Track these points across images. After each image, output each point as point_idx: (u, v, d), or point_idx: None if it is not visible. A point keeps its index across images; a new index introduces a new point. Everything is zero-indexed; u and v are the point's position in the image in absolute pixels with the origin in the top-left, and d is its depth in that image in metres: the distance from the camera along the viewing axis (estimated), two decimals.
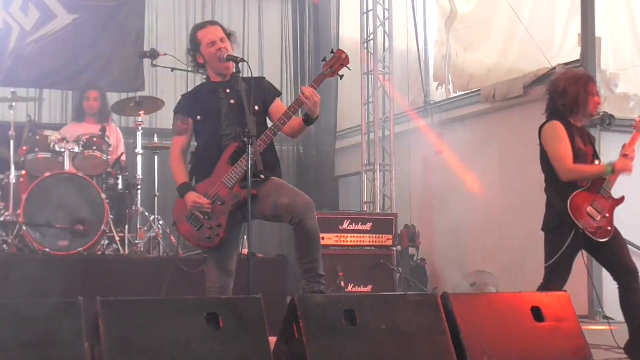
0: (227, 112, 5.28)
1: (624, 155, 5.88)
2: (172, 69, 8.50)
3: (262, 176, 5.12)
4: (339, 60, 5.19)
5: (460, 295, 4.67)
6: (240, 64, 5.21)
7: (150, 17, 12.18)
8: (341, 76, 5.23)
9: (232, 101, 5.27)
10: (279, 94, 5.46)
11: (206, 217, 5.20)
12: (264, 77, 5.55)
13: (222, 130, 5.27)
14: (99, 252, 7.89)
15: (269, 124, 5.36)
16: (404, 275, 9.04)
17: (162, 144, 8.73)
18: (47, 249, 7.55)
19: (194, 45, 5.39)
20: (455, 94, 13.14)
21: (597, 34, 10.52)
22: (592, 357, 4.64)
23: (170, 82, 10.83)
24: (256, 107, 5.24)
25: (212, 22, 5.51)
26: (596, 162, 5.93)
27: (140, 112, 8.52)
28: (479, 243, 12.19)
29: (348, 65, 5.21)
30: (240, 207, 5.18)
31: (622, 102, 10.11)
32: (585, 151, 5.91)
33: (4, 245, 7.75)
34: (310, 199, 5.19)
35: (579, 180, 5.79)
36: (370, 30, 12.72)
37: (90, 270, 7.45)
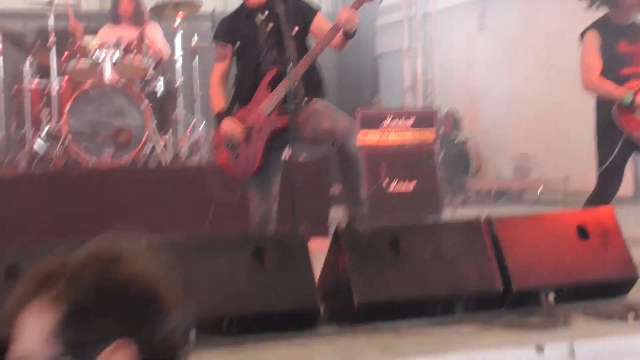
0: (266, 37, 5.21)
1: None
2: None
3: (304, 99, 5.04)
4: None
5: (504, 220, 4.66)
6: None
7: None
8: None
9: (270, 24, 5.19)
10: (318, 10, 5.34)
11: (243, 144, 5.17)
12: None
13: (262, 55, 5.22)
14: (142, 163, 7.87)
15: (313, 42, 5.29)
16: (446, 172, 9.03)
17: (202, 45, 8.62)
18: (94, 158, 7.58)
19: None
20: None
21: None
22: (638, 275, 4.63)
23: None
24: (296, 28, 5.15)
25: None
26: None
27: (179, 14, 8.41)
28: (524, 124, 12.10)
29: None
30: (280, 133, 5.14)
31: None
32: (632, 52, 5.78)
33: (52, 156, 7.78)
34: (351, 121, 5.15)
35: (598, 95, 5.73)
36: None
37: (134, 184, 7.51)
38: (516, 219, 4.77)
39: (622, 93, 5.67)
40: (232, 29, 5.35)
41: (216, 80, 5.38)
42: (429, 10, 12.46)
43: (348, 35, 5.06)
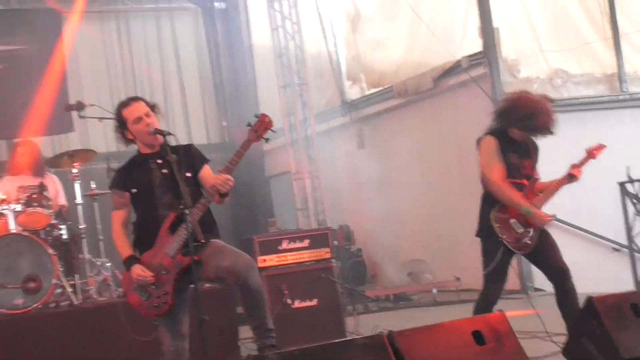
0: (160, 182, 5.23)
1: (569, 175, 5.93)
2: (100, 119, 8.38)
3: (202, 241, 5.07)
4: (263, 124, 5.15)
5: (405, 332, 4.68)
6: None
7: (72, 63, 11.95)
8: (267, 140, 5.20)
9: (164, 171, 5.22)
10: (207, 160, 5.41)
11: (153, 286, 5.16)
12: (192, 144, 5.48)
13: (158, 199, 5.22)
14: (53, 305, 7.75)
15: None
16: (344, 284, 9.07)
17: (100, 190, 8.61)
18: (3, 310, 7.42)
19: (121, 123, 5.32)
20: (369, 92, 13.21)
21: (495, 25, 10.65)
22: None
23: (100, 131, 10.64)
24: (187, 175, 5.20)
25: (136, 99, 5.42)
26: (535, 174, 5.99)
27: (75, 164, 8.37)
28: (410, 232, 12.32)
29: (272, 129, 5.19)
30: (185, 273, 5.13)
31: (527, 86, 10.24)
32: (519, 165, 5.94)
33: None
34: (250, 258, 5.20)
35: (498, 198, 5.85)
36: (282, 44, 12.67)
37: (47, 326, 7.37)
38: (415, 330, 4.79)
39: (523, 203, 5.79)
40: (128, 177, 5.35)
41: (117, 227, 5.34)
42: (310, 134, 12.69)
43: (222, 196, 5.15)
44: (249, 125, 5.19)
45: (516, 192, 5.83)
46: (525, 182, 5.93)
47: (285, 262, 8.21)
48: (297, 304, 8.09)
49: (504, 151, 5.86)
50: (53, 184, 8.66)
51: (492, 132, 5.97)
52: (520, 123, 5.85)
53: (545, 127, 5.86)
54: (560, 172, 6.00)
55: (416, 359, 4.51)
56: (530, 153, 6.03)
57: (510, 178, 5.87)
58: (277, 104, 12.89)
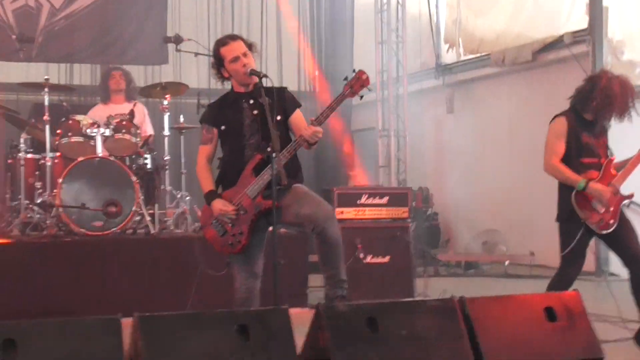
0: (250, 122, 5.25)
1: (623, 169, 5.81)
2: (196, 54, 8.42)
3: (285, 185, 5.07)
4: (360, 81, 5.13)
5: (476, 299, 4.64)
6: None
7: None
8: (361, 96, 5.18)
9: (255, 112, 5.24)
10: (299, 105, 5.41)
11: (230, 224, 5.19)
12: (285, 88, 5.47)
13: (246, 139, 5.24)
14: (131, 231, 7.90)
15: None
16: (418, 246, 9.06)
17: (188, 124, 8.68)
18: (83, 230, 7.57)
19: (218, 61, 5.32)
20: (465, 57, 13.03)
21: (604, 3, 10.37)
22: (602, 355, 4.64)
23: (193, 66, 10.70)
24: (278, 118, 5.20)
25: (234, 37, 5.42)
26: (609, 154, 5.88)
27: (167, 96, 8.44)
28: (489, 202, 12.19)
29: (368, 87, 5.16)
30: (263, 215, 5.17)
31: (629, 69, 9.96)
32: (593, 144, 5.85)
33: (44, 225, 7.76)
34: (331, 208, 5.19)
35: (556, 179, 5.80)
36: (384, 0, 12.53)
37: (123, 250, 7.54)
38: (487, 299, 4.75)
39: (577, 179, 5.72)
40: (218, 113, 5.37)
41: (202, 162, 5.37)
42: (401, 93, 12.57)
43: (311, 145, 5.16)
44: (345, 79, 5.17)
45: (569, 171, 5.75)
46: (601, 161, 5.83)
47: (362, 217, 8.22)
48: (369, 259, 8.11)
49: (576, 131, 5.78)
50: (141, 112, 8.78)
51: (565, 112, 5.90)
52: (593, 108, 5.75)
53: (618, 114, 5.76)
54: None
55: (485, 328, 4.48)
56: (604, 132, 5.95)
57: (585, 158, 5.79)
58: (371, 60, 12.77)
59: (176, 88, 8.82)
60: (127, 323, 4.12)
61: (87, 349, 3.99)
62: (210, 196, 5.27)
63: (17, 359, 3.80)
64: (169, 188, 8.41)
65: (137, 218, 7.93)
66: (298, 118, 5.32)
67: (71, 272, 7.24)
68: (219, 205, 5.19)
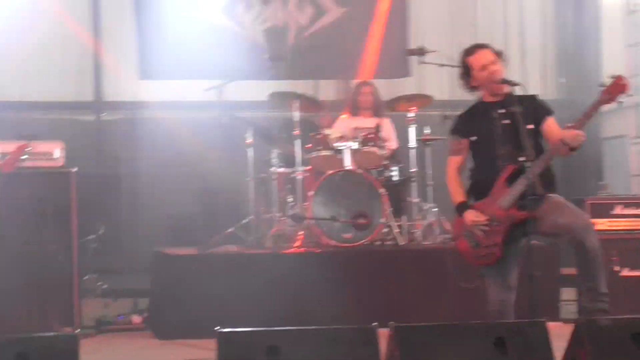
0: (501, 132, 5.20)
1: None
2: (441, 65, 8.43)
3: (540, 195, 4.98)
4: (618, 86, 4.97)
5: None
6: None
7: (413, 8, 12.07)
8: (621, 102, 5.02)
9: (506, 121, 5.18)
10: (551, 112, 5.31)
11: (483, 235, 5.15)
12: (536, 95, 5.40)
13: (497, 150, 5.20)
14: (379, 243, 8.01)
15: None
16: None
17: (433, 136, 8.70)
18: (334, 241, 7.77)
19: (466, 70, 5.33)
20: None
21: None
22: None
23: (435, 78, 10.67)
24: (530, 126, 5.12)
25: (482, 46, 5.41)
26: None
27: (412, 108, 8.51)
28: None
29: (627, 92, 4.99)
30: (517, 226, 5.09)
31: None
32: None
33: (295, 237, 8.01)
34: (589, 218, 5.04)
35: None
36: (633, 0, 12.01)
37: (373, 261, 7.68)
38: None
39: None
40: (468, 123, 5.38)
41: (452, 173, 5.39)
42: None
43: (573, 149, 5.05)
44: (601, 85, 5.02)
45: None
46: None
47: (617, 228, 7.94)
48: (626, 272, 7.81)
49: None
50: (387, 126, 8.87)
51: None
52: None
53: None
54: None
55: None
56: None
57: None
58: (620, 65, 12.27)
59: (421, 100, 8.88)
60: (381, 333, 4.19)
61: (346, 357, 4.10)
62: (461, 207, 5.27)
63: None
64: (415, 200, 8.47)
65: (385, 230, 8.04)
66: (552, 125, 5.23)
67: (324, 283, 7.38)
68: (471, 216, 5.18)
